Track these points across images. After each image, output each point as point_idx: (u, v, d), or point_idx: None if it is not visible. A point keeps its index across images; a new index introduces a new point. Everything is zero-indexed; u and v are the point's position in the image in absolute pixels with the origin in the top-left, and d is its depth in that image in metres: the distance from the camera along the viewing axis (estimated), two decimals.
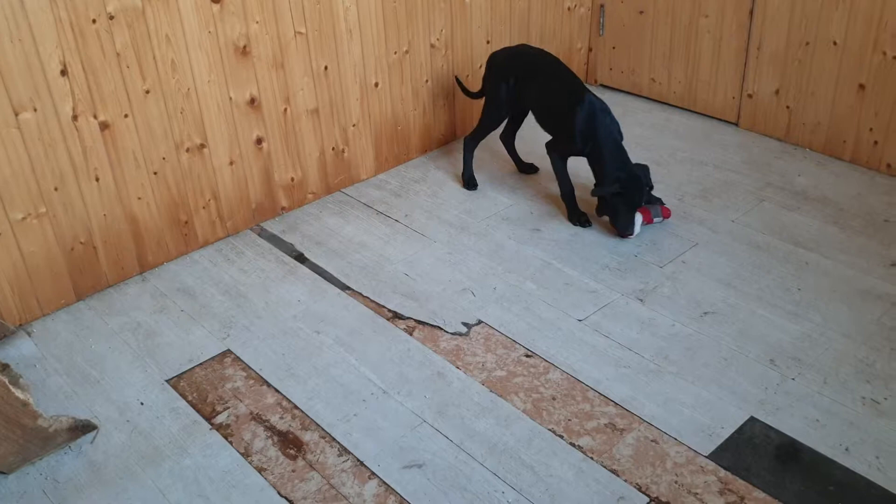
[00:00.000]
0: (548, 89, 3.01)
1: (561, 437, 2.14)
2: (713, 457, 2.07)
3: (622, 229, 2.88)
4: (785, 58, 3.38)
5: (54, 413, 2.21)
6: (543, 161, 3.42)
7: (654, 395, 2.26)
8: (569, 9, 3.88)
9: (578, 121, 2.85)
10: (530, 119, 3.30)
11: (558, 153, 3.00)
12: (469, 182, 3.30)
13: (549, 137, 3.06)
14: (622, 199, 2.84)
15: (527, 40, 3.73)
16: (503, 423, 2.19)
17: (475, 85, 3.51)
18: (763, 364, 2.35)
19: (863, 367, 2.32)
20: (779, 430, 2.13)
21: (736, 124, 3.66)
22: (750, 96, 3.56)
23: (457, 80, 3.42)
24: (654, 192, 3.07)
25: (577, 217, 3.02)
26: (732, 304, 2.59)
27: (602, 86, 4.13)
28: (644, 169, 2.91)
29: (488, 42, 3.58)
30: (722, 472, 2.02)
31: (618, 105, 3.94)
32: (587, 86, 3.04)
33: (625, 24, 3.90)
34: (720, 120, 3.72)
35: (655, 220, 2.96)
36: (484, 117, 3.22)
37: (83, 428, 2.17)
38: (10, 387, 2.01)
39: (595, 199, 3.04)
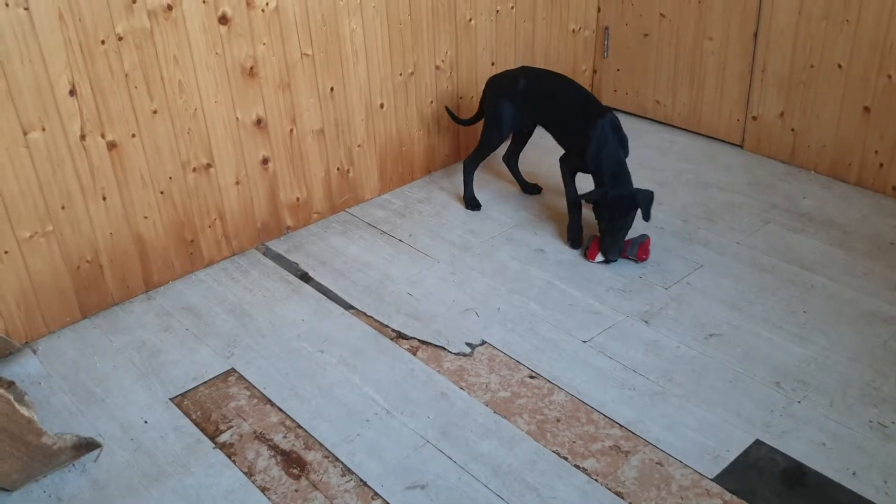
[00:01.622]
0: (560, 107, 3.03)
1: (565, 459, 2.13)
2: (719, 480, 2.05)
3: (605, 250, 2.86)
4: (789, 80, 3.39)
5: (58, 431, 2.21)
6: (547, 181, 3.44)
7: (659, 417, 2.25)
8: (573, 31, 3.91)
9: (591, 143, 2.85)
10: (534, 140, 3.31)
11: (569, 167, 3.01)
12: (470, 203, 3.31)
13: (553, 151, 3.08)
14: (602, 215, 2.82)
15: (532, 62, 3.76)
16: (507, 444, 2.18)
17: (474, 109, 3.52)
18: (769, 387, 2.33)
19: (869, 391, 2.30)
20: (785, 454, 2.12)
21: (741, 146, 3.67)
22: (755, 118, 3.57)
23: (447, 109, 3.41)
24: (657, 216, 3.07)
25: (574, 236, 3.02)
26: (738, 327, 2.58)
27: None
28: (645, 195, 2.83)
29: (493, 64, 3.60)
30: (728, 496, 2.01)
31: (623, 127, 3.95)
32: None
33: (629, 46, 3.93)
34: (725, 142, 3.73)
35: (630, 256, 2.89)
36: (484, 139, 3.23)
37: (87, 446, 2.17)
38: (16, 404, 2.02)
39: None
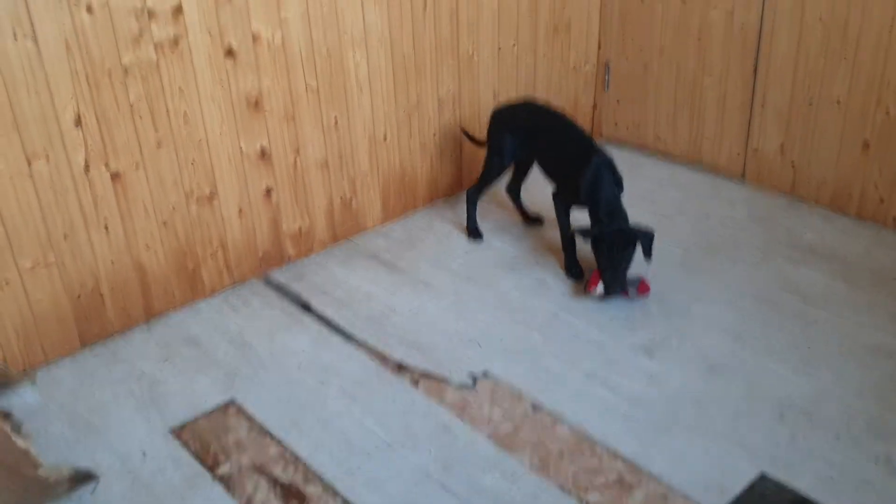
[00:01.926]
0: (556, 143, 3.05)
1: (569, 492, 2.10)
2: None
3: (607, 286, 2.81)
4: (789, 114, 3.42)
5: (55, 462, 2.19)
6: (549, 213, 3.44)
7: (662, 450, 2.23)
8: (574, 66, 3.94)
9: (585, 177, 2.86)
10: (536, 172, 3.33)
11: (562, 202, 3.03)
12: (473, 233, 3.32)
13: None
14: (601, 251, 2.79)
15: (533, 96, 3.79)
16: (510, 478, 2.16)
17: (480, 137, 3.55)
18: (773, 419, 2.32)
19: (875, 425, 2.28)
20: (790, 487, 2.09)
21: (741, 179, 3.69)
22: (755, 152, 3.59)
23: (463, 130, 3.48)
24: (659, 248, 3.07)
25: (572, 269, 3.03)
26: (741, 359, 2.57)
27: (607, 141, 4.17)
28: (646, 234, 2.79)
29: (495, 97, 3.63)
30: None
31: (623, 160, 3.97)
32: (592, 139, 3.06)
33: (630, 80, 3.96)
34: (726, 175, 3.74)
35: (631, 296, 2.87)
36: (486, 169, 3.26)
37: (84, 478, 2.14)
38: (12, 435, 2.00)
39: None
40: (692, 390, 2.45)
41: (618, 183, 2.90)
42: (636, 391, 2.45)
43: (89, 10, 2.39)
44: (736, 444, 2.23)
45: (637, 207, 2.95)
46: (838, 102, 3.24)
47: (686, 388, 2.45)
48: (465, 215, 3.38)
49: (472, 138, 3.45)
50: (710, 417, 2.34)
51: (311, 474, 2.19)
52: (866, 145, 3.22)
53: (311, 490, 2.14)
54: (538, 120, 3.13)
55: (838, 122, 3.27)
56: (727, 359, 2.57)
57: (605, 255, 2.79)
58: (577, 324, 2.77)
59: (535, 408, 2.40)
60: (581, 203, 2.93)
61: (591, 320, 2.78)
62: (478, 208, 3.36)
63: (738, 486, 2.10)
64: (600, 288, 2.85)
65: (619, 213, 2.84)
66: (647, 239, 2.80)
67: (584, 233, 2.85)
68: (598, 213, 2.84)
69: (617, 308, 2.84)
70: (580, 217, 3.01)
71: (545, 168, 3.13)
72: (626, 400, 2.42)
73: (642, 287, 2.88)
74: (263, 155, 2.94)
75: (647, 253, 2.81)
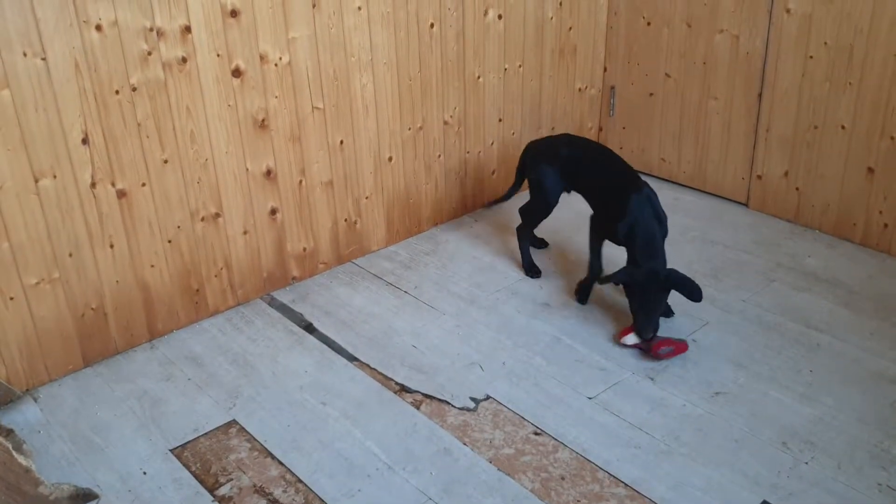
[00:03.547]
0: (596, 176, 2.94)
1: None
2: None
3: (639, 330, 2.68)
4: (793, 140, 3.43)
5: (56, 480, 2.18)
6: (555, 235, 3.44)
7: (664, 476, 2.22)
8: (580, 89, 3.96)
9: (623, 215, 2.72)
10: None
11: (597, 234, 2.92)
12: (530, 270, 3.21)
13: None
14: (633, 294, 2.68)
15: (538, 119, 3.81)
16: (511, 502, 2.14)
17: (482, 164, 3.55)
18: (775, 447, 2.30)
19: (878, 453, 2.27)
20: None
21: (746, 205, 3.69)
22: (759, 177, 3.60)
23: (488, 203, 3.51)
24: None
25: (582, 297, 3.00)
26: (744, 385, 2.56)
27: None
28: (683, 277, 2.63)
29: (500, 120, 3.65)
30: None
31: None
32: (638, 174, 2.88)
33: (635, 104, 3.98)
34: (730, 200, 3.75)
35: (663, 351, 2.66)
36: (531, 206, 3.15)
37: (84, 497, 2.13)
38: (13, 452, 2.00)
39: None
40: (695, 417, 2.44)
41: (660, 221, 2.74)
42: (639, 416, 2.44)
43: (99, 28, 2.41)
44: (738, 472, 2.22)
45: None
46: (843, 128, 3.25)
47: (688, 415, 2.44)
48: (469, 237, 3.38)
49: (497, 200, 3.40)
50: (713, 444, 2.33)
51: (311, 496, 2.18)
52: (871, 171, 3.22)
53: None
54: (577, 151, 3.03)
55: (843, 148, 3.28)
56: (730, 385, 2.56)
57: (637, 298, 2.67)
58: (579, 348, 2.77)
59: (537, 432, 2.39)
60: (618, 243, 2.80)
61: (595, 345, 2.78)
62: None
63: None
64: (633, 338, 2.72)
65: (656, 254, 2.68)
66: (684, 282, 2.63)
67: (613, 278, 2.71)
68: (635, 253, 2.70)
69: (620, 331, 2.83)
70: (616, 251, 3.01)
71: (588, 200, 3.01)
72: (628, 425, 2.41)
73: (679, 347, 2.69)
74: (269, 175, 2.96)
75: (696, 295, 2.61)
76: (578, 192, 3.06)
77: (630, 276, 2.67)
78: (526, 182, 3.21)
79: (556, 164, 3.04)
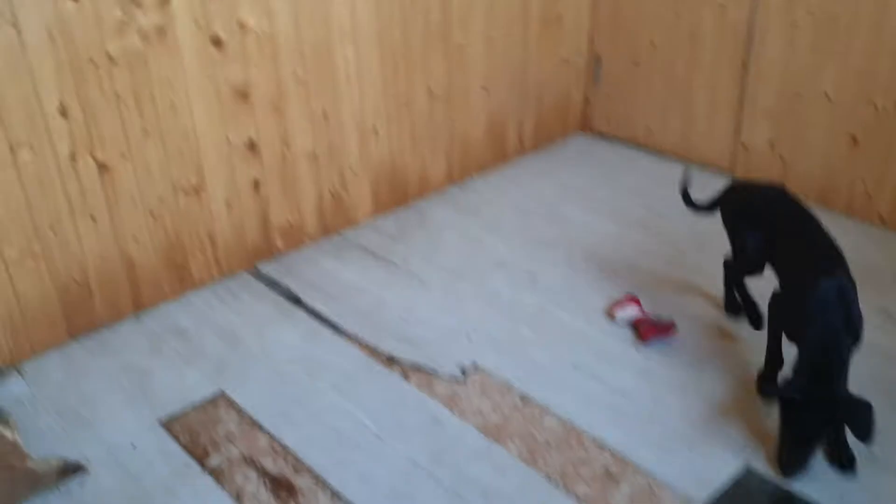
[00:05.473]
0: (789, 247, 2.34)
1: (556, 483, 2.11)
2: None
3: (783, 466, 2.09)
4: (778, 109, 3.43)
5: (44, 454, 2.18)
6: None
7: (649, 442, 2.24)
8: (565, 59, 3.94)
9: (804, 304, 2.11)
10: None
11: (777, 317, 2.32)
12: (729, 306, 2.74)
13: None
14: (788, 413, 2.08)
15: (524, 89, 3.78)
16: (498, 469, 2.16)
17: (468, 137, 3.53)
18: (759, 413, 2.33)
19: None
20: (774, 481, 2.11)
21: (731, 174, 3.70)
22: (745, 146, 3.61)
23: (684, 195, 2.82)
24: (649, 246, 3.06)
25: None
26: (727, 352, 2.58)
27: (598, 135, 4.18)
28: (859, 410, 2.02)
29: (484, 88, 3.62)
30: None
31: (614, 154, 3.99)
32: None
33: (621, 74, 3.96)
34: (715, 170, 3.75)
35: (652, 340, 2.61)
36: (738, 264, 2.66)
37: (73, 470, 2.13)
38: (0, 427, 1.99)
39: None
40: (679, 382, 2.46)
41: (850, 324, 2.09)
42: (623, 383, 2.46)
43: None
44: (722, 437, 2.25)
45: (626, 202, 2.94)
46: (827, 96, 3.25)
47: (673, 381, 2.47)
48: (456, 210, 3.36)
49: (690, 203, 2.81)
50: (697, 410, 2.35)
51: (300, 466, 2.19)
52: (854, 140, 3.23)
53: (301, 482, 2.14)
54: (776, 214, 2.42)
55: (827, 117, 3.29)
56: (714, 352, 2.58)
57: (792, 422, 2.06)
58: (564, 317, 2.78)
59: (524, 400, 2.41)
60: (789, 337, 2.20)
61: (579, 314, 2.79)
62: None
63: (723, 478, 2.12)
64: (626, 314, 2.68)
65: (833, 367, 2.02)
66: (861, 415, 2.02)
67: (777, 390, 2.20)
68: (801, 359, 2.07)
69: (605, 301, 2.84)
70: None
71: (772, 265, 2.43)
72: (613, 392, 2.43)
73: (667, 330, 2.64)
74: (251, 146, 2.93)
75: (862, 434, 2.01)
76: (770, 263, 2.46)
77: (791, 394, 2.05)
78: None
79: (760, 227, 2.45)
